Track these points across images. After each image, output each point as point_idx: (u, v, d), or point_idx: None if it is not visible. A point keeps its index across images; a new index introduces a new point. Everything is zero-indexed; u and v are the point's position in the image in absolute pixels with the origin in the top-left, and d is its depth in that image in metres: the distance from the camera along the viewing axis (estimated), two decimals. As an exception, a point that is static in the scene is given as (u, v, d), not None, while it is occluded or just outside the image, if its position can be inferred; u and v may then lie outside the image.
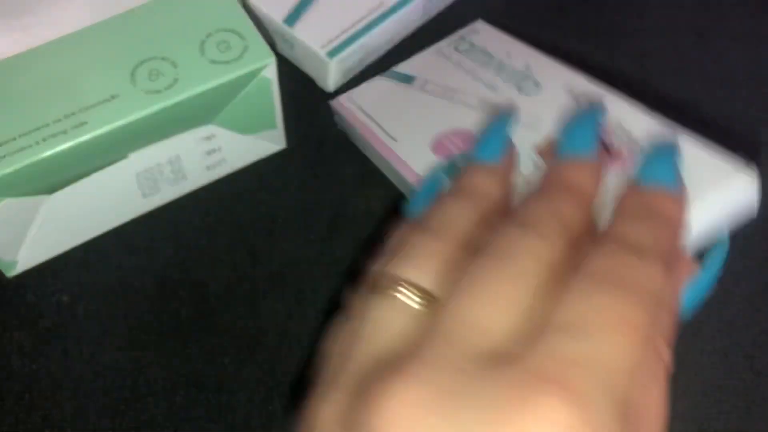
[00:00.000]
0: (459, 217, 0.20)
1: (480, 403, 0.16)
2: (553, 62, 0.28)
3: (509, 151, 0.23)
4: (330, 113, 0.30)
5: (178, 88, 0.24)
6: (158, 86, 0.24)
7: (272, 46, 0.31)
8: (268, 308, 0.26)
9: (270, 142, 0.29)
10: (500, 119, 0.24)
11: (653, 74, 0.32)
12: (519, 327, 0.17)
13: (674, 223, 0.20)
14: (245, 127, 0.27)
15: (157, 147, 0.26)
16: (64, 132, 0.23)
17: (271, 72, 0.25)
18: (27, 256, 0.26)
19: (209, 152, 0.27)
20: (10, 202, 0.23)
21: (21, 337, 0.25)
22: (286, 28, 0.30)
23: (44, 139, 0.23)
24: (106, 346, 0.25)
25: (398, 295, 0.19)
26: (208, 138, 0.27)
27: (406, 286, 0.19)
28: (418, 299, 0.18)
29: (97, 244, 0.27)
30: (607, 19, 0.34)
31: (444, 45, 0.30)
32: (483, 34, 0.30)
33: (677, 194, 0.21)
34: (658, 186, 0.21)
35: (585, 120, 0.23)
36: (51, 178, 0.24)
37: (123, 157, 0.25)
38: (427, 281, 0.19)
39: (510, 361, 0.17)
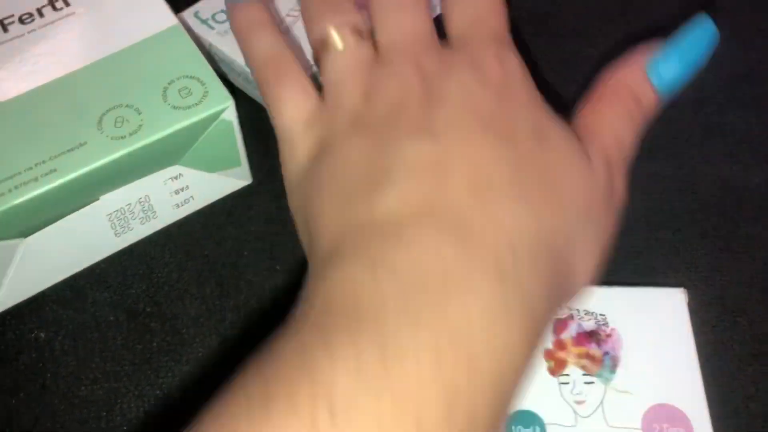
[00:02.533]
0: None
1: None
2: None
3: None
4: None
5: (142, 134, 0.26)
6: (123, 132, 0.26)
7: (235, 86, 0.33)
8: (236, 338, 0.27)
9: (236, 178, 0.30)
10: None
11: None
12: (430, 23, 0.25)
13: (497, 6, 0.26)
14: (210, 166, 0.29)
15: (127, 188, 0.27)
16: (35, 179, 0.25)
17: (230, 114, 0.27)
18: (6, 297, 0.27)
19: (177, 191, 0.29)
20: (-14, 246, 0.25)
21: (1, 374, 0.26)
22: (248, 69, 0.32)
23: (16, 187, 0.24)
24: (82, 380, 0.26)
25: (345, 39, 0.24)
26: (176, 177, 0.28)
27: (348, 27, 0.25)
28: (357, 35, 0.25)
29: (73, 281, 0.28)
30: (560, 48, 0.36)
31: None
32: None
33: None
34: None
35: None
36: (26, 223, 0.26)
37: (94, 199, 0.27)
38: (355, 19, 0.25)
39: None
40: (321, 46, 0.25)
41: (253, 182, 0.31)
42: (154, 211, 0.29)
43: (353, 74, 0.24)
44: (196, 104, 0.26)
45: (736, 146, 0.33)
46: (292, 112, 0.25)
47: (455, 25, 0.25)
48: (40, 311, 0.28)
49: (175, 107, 0.26)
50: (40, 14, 0.28)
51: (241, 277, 0.29)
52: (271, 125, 0.32)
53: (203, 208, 0.30)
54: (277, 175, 0.31)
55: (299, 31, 0.31)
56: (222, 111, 0.27)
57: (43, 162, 0.25)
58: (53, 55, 0.27)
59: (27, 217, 0.25)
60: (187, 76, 0.27)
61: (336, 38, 0.24)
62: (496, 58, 0.23)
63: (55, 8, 0.28)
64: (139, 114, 0.26)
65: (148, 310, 0.28)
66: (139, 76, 0.27)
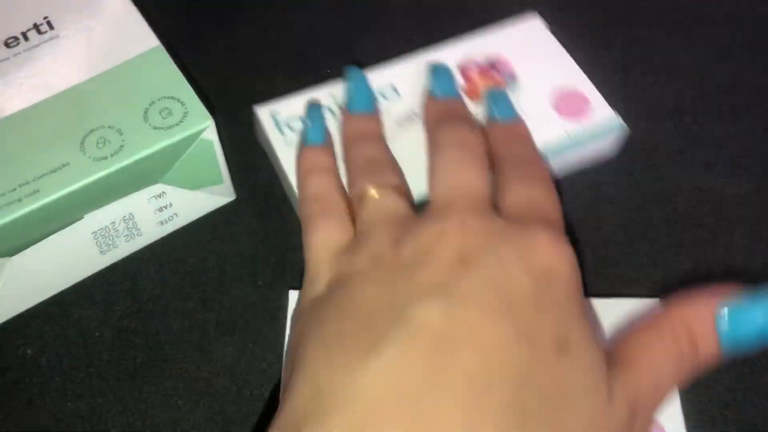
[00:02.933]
0: (379, 149, 0.29)
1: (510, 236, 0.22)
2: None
3: (375, 99, 0.31)
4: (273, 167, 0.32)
5: (123, 154, 0.26)
6: (105, 153, 0.26)
7: (215, 107, 0.34)
8: (218, 352, 0.28)
9: (219, 195, 0.31)
10: (355, 77, 0.31)
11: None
12: (488, 187, 0.25)
13: (529, 139, 0.29)
14: (193, 183, 0.29)
15: (111, 207, 0.28)
16: (19, 200, 0.25)
17: (211, 134, 0.28)
18: (-6, 314, 0.28)
19: (161, 209, 0.29)
20: (-28, 266, 0.26)
21: (-12, 390, 0.27)
22: (295, 189, 0.30)
23: (0, 208, 0.25)
24: (67, 395, 0.27)
25: (384, 191, 0.26)
26: (159, 196, 0.29)
27: (386, 186, 0.26)
28: (397, 192, 0.26)
29: (59, 299, 0.29)
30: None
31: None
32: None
33: (520, 122, 0.30)
34: (507, 120, 0.30)
35: (441, 70, 0.31)
36: (11, 242, 0.26)
37: (79, 218, 0.27)
38: (397, 180, 0.27)
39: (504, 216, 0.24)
40: (359, 201, 0.26)
41: (236, 199, 0.32)
42: (139, 229, 0.30)
43: (386, 220, 0.24)
44: (177, 124, 0.27)
45: (714, 157, 0.33)
46: (324, 242, 0.25)
47: (510, 201, 0.25)
48: (26, 328, 0.28)
49: (156, 128, 0.27)
50: (25, 38, 0.29)
51: (224, 292, 0.29)
52: (253, 142, 0.33)
53: (187, 224, 0.31)
54: (259, 192, 0.32)
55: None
56: (202, 131, 0.27)
57: (27, 183, 0.26)
58: (37, 78, 0.28)
59: (12, 237, 0.26)
60: (167, 97, 0.28)
61: (373, 191, 0.26)
62: (548, 243, 0.22)
63: (39, 32, 0.29)
64: (121, 135, 0.27)
65: (133, 326, 0.28)
66: (121, 97, 0.28)
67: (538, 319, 0.20)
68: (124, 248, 0.30)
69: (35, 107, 0.27)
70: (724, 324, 0.21)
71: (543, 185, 0.26)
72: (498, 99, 0.30)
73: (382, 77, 0.32)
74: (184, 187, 0.29)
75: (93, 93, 0.28)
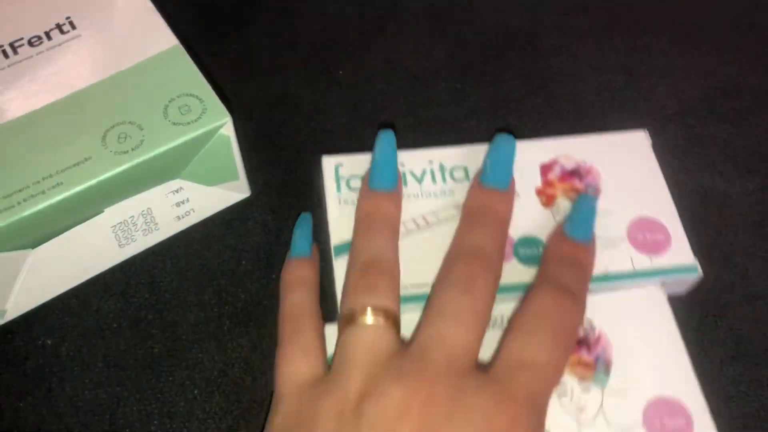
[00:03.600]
0: (383, 246, 0.27)
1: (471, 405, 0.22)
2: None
3: (399, 177, 0.29)
4: (289, 163, 0.33)
5: (144, 149, 0.27)
6: (126, 147, 0.27)
7: (233, 104, 0.34)
8: (233, 343, 0.29)
9: (234, 191, 0.32)
10: (385, 151, 0.29)
11: (584, 112, 0.35)
12: (479, 342, 0.25)
13: (588, 269, 0.27)
14: (210, 179, 0.30)
15: (130, 201, 0.29)
16: (43, 192, 0.26)
17: (228, 130, 0.28)
18: (15, 306, 0.29)
19: (178, 204, 0.30)
20: (-4, 256, 0.26)
21: (9, 378, 0.28)
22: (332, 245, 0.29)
23: (25, 200, 0.26)
24: (86, 384, 0.28)
25: (368, 320, 0.25)
26: (177, 191, 0.30)
27: (377, 311, 0.25)
28: (385, 320, 0.25)
29: (78, 291, 0.30)
30: (544, 64, 0.37)
31: None
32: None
33: (591, 247, 0.28)
34: (580, 240, 0.28)
35: (502, 156, 0.28)
36: (33, 234, 0.27)
37: (99, 212, 0.28)
38: (389, 303, 0.25)
39: (484, 378, 0.23)
40: (346, 320, 0.25)
41: (251, 195, 0.32)
42: (156, 223, 0.30)
43: (363, 358, 0.24)
44: (195, 120, 0.28)
45: (717, 157, 0.34)
46: (291, 375, 0.25)
47: (506, 352, 0.24)
48: (47, 319, 0.29)
49: (175, 123, 0.28)
50: (48, 37, 0.30)
51: (239, 286, 0.30)
52: (266, 141, 0.34)
53: (203, 220, 0.32)
54: (273, 189, 0.33)
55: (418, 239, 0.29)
56: (220, 127, 0.28)
57: (50, 176, 0.26)
58: (60, 75, 0.29)
59: (35, 229, 0.27)
60: (186, 94, 0.28)
61: (361, 316, 0.25)
62: (507, 421, 0.22)
63: (62, 31, 0.30)
64: (141, 130, 0.27)
65: (150, 317, 0.29)
66: (141, 94, 0.28)
67: None
68: (142, 242, 0.31)
69: (59, 103, 0.28)
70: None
71: (556, 346, 0.24)
72: (584, 212, 0.28)
73: (429, 156, 0.31)
74: (201, 183, 0.30)
75: (114, 90, 0.28)
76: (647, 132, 0.31)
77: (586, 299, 0.26)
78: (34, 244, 0.27)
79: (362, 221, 0.28)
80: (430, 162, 0.31)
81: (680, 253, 0.28)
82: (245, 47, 0.37)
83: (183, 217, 0.31)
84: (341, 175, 0.30)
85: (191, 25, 0.37)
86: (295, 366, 0.25)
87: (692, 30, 0.38)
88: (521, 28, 0.38)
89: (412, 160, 0.31)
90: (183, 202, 0.30)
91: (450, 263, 0.26)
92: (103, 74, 0.29)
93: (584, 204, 0.28)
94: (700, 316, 0.30)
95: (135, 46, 0.30)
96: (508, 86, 0.36)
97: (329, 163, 0.31)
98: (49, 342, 0.29)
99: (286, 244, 0.31)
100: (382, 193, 0.28)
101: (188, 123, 0.28)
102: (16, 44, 0.30)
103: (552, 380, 0.24)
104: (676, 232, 0.29)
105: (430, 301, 0.26)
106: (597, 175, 0.30)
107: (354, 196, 0.30)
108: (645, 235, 0.28)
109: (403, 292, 0.27)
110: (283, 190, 0.33)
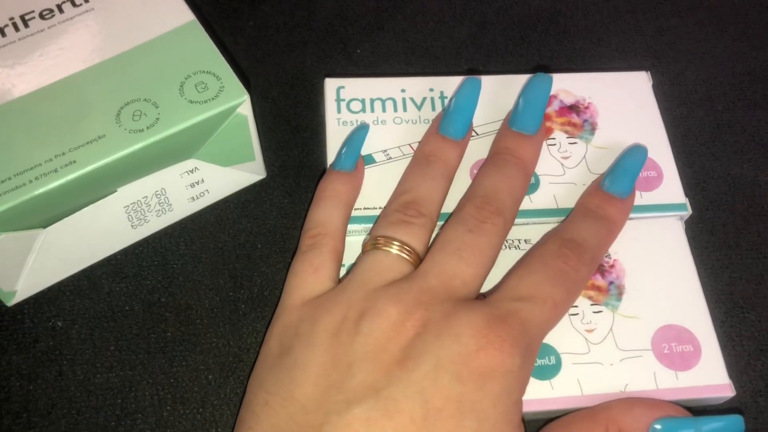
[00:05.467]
0: (432, 189, 0.27)
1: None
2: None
3: (470, 129, 0.29)
4: (306, 145, 0.32)
5: (159, 127, 0.26)
6: (141, 126, 0.26)
7: (251, 83, 0.33)
8: (248, 328, 0.28)
9: (250, 172, 0.31)
10: (466, 99, 0.29)
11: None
12: (479, 279, 0.25)
13: (616, 226, 0.27)
14: (226, 160, 0.29)
15: (144, 181, 0.28)
16: (55, 171, 0.25)
17: (246, 109, 0.27)
18: (25, 286, 0.28)
19: (193, 184, 0.29)
20: (7, 236, 0.26)
21: (19, 360, 0.27)
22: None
23: (37, 178, 0.25)
24: (97, 367, 0.27)
25: (392, 249, 0.25)
26: (192, 171, 0.29)
27: (403, 246, 0.25)
28: (408, 256, 0.25)
29: (90, 272, 0.29)
30: (568, 46, 0.36)
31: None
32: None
33: (627, 202, 0.27)
34: (616, 193, 0.27)
35: (536, 98, 0.29)
36: (45, 213, 0.26)
37: (112, 191, 0.27)
38: (417, 244, 0.26)
39: (479, 303, 0.24)
40: (371, 244, 0.26)
41: (266, 177, 0.32)
42: (170, 204, 0.29)
43: (372, 281, 0.24)
44: (212, 99, 0.27)
45: (746, 144, 0.33)
46: (297, 289, 0.25)
47: (512, 285, 0.24)
48: (57, 300, 0.28)
49: (191, 101, 0.27)
50: (60, 10, 0.29)
51: (255, 269, 0.29)
52: (284, 121, 0.33)
53: (218, 201, 0.31)
54: (289, 171, 0.32)
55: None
56: (237, 106, 0.27)
57: (63, 154, 0.25)
58: (73, 50, 0.28)
59: (47, 208, 0.26)
60: (203, 71, 0.27)
61: (386, 246, 0.25)
62: (496, 344, 0.22)
63: (74, 4, 0.29)
64: (157, 108, 0.27)
65: (163, 300, 0.28)
66: (156, 71, 0.27)
67: (456, 426, 0.21)
68: (155, 223, 0.30)
69: (71, 79, 0.27)
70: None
71: (555, 286, 0.24)
72: (628, 164, 0.28)
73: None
74: (217, 163, 0.29)
75: (129, 66, 0.28)
76: (649, 73, 0.32)
77: (602, 256, 0.27)
78: (46, 224, 0.27)
79: (420, 159, 0.28)
80: (431, 90, 0.31)
81: (672, 191, 0.29)
82: (261, 25, 0.36)
83: (197, 198, 0.30)
84: (342, 97, 0.30)
85: (206, 1, 0.36)
86: (303, 280, 0.25)
87: (720, 13, 0.37)
88: (545, 8, 0.37)
89: (413, 87, 0.31)
90: (198, 183, 0.30)
91: (463, 203, 0.27)
92: (116, 49, 0.28)
93: (632, 156, 0.28)
94: (728, 308, 0.29)
95: (150, 20, 0.29)
96: (531, 68, 0.35)
97: (331, 85, 0.31)
98: (59, 324, 0.28)
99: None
100: (448, 139, 0.28)
101: (205, 101, 0.27)
102: (27, 17, 0.29)
103: (548, 315, 0.24)
104: (669, 172, 0.29)
105: (437, 237, 0.26)
106: (595, 112, 0.31)
107: (353, 118, 0.30)
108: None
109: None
110: (300, 172, 0.32)
